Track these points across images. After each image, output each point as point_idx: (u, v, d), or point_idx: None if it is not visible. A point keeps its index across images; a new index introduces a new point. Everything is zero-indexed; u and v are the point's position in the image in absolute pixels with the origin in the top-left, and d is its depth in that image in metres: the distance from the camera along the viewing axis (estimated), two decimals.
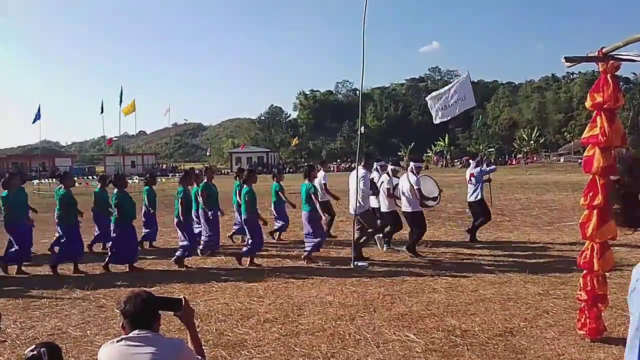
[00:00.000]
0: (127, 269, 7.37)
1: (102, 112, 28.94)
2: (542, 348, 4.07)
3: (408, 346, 4.20)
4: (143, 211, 9.18)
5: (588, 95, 4.06)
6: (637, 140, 59.37)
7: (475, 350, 4.09)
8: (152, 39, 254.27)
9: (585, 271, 4.26)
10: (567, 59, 4.03)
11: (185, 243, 7.63)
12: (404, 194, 7.78)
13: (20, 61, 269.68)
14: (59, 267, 7.43)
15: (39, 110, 45.35)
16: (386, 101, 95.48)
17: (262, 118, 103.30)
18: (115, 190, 7.48)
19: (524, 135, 62.70)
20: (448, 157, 62.43)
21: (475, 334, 4.43)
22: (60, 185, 7.60)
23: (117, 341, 2.20)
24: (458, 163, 54.56)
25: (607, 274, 4.29)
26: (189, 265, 7.60)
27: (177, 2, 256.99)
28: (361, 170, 7.63)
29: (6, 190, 7.34)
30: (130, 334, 2.21)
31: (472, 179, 8.85)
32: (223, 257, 8.19)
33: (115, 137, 63.19)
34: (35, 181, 30.81)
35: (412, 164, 7.94)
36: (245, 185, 7.77)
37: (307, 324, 4.79)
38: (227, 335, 4.58)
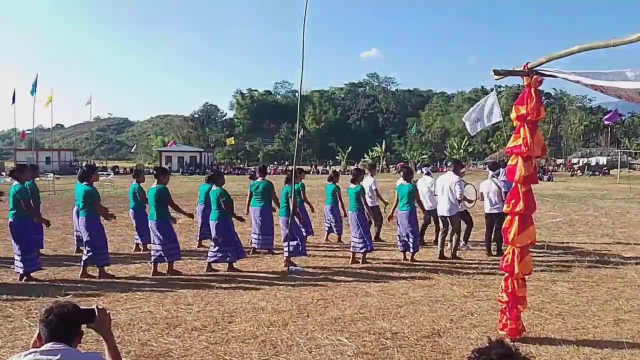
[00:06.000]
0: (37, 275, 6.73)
1: (13, 102, 25.98)
2: (467, 348, 4.21)
3: (340, 350, 4.19)
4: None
5: (513, 107, 4.29)
6: (555, 151, 64.74)
7: (404, 352, 4.16)
8: (73, 24, 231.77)
9: (506, 274, 4.48)
10: (496, 72, 4.23)
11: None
12: (489, 196, 8.35)
13: None
14: None
15: None
16: (325, 104, 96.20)
17: (196, 116, 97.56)
18: (214, 187, 7.17)
19: (454, 144, 66.18)
20: (384, 162, 64.30)
21: (405, 335, 4.52)
22: None
23: (26, 355, 2.03)
24: (393, 169, 56.32)
25: (526, 277, 4.54)
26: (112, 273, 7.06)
27: None
28: (455, 176, 8.13)
29: None
30: (43, 347, 2.05)
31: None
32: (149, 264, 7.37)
33: (29, 130, 57.32)
34: None
35: (490, 172, 8.61)
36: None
37: (237, 331, 4.63)
38: (150, 345, 4.31)
